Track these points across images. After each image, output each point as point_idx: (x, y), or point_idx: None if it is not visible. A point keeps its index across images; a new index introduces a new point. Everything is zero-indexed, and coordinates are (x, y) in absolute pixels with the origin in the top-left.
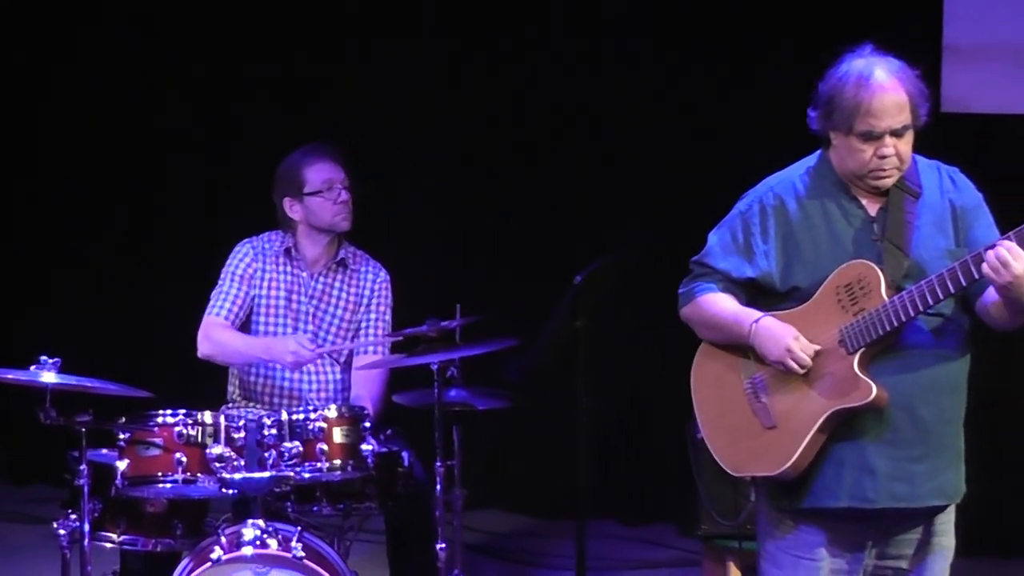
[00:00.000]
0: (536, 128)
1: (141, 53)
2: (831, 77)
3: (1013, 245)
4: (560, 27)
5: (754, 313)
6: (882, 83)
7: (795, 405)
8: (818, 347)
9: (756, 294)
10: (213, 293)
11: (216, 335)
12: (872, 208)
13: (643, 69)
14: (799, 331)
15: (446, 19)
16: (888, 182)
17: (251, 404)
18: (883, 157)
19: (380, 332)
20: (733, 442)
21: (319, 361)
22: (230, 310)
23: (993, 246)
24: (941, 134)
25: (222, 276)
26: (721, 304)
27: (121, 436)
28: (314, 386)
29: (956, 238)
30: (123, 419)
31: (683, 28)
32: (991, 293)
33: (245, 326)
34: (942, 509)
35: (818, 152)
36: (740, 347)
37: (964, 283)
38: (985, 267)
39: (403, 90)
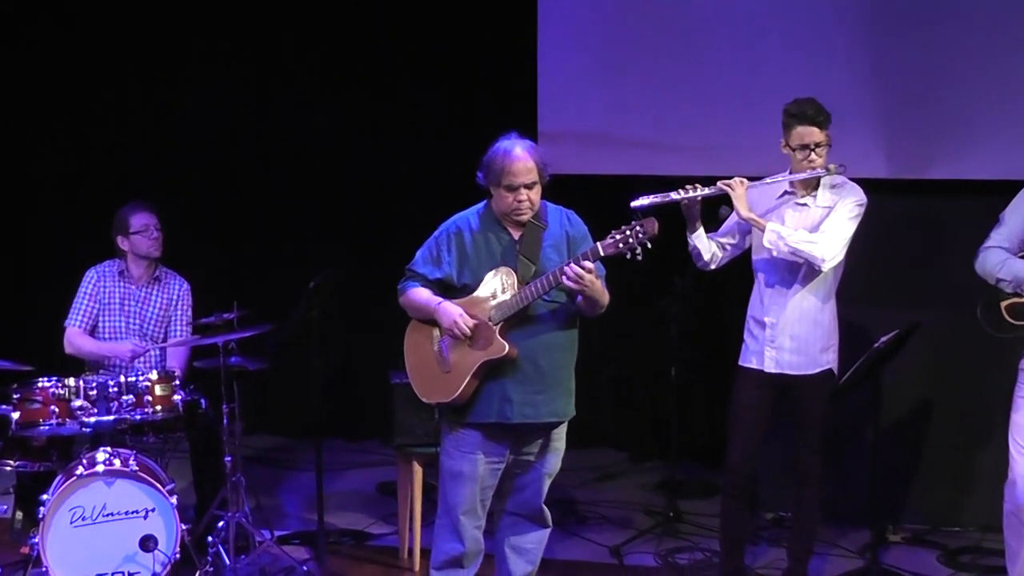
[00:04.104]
0: (290, 175)
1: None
2: (489, 151)
3: (584, 263)
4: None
5: (439, 298)
6: (518, 155)
7: (463, 357)
8: (476, 321)
9: (445, 289)
10: (72, 306)
11: (76, 342)
12: (516, 234)
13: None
14: (467, 310)
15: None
16: (525, 218)
17: (100, 371)
18: (520, 201)
19: (183, 323)
20: (425, 381)
21: (144, 343)
22: (83, 320)
23: (570, 262)
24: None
25: (78, 294)
26: (420, 294)
27: (14, 396)
28: (142, 359)
29: (568, 255)
30: (15, 385)
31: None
32: (579, 295)
33: (95, 325)
34: (557, 425)
35: (485, 201)
36: (432, 322)
37: (555, 284)
38: (563, 279)
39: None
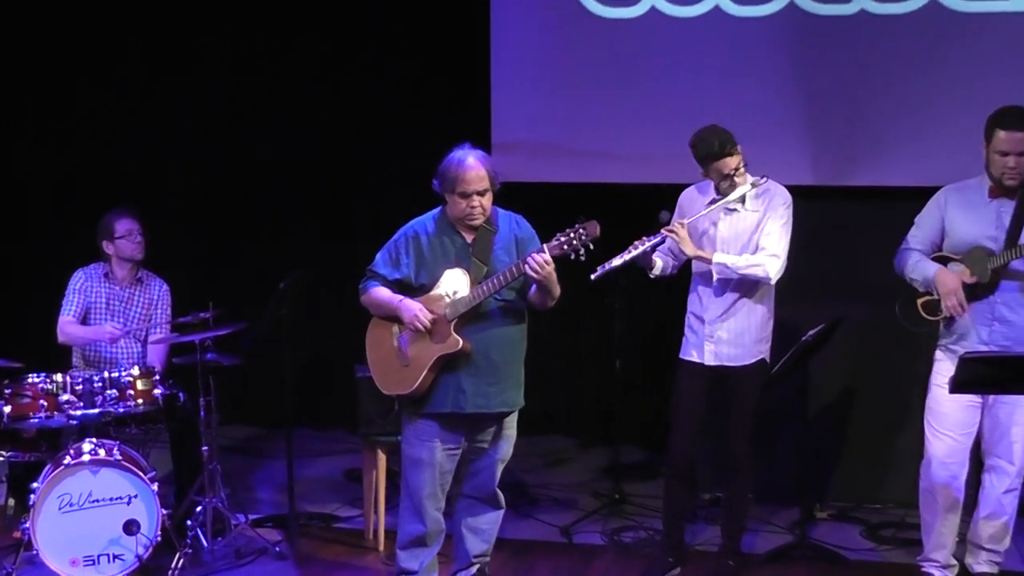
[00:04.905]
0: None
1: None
2: (444, 161)
3: (542, 255)
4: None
5: (400, 296)
6: (471, 164)
7: (420, 352)
8: (434, 316)
9: (403, 289)
10: (64, 302)
11: (67, 330)
12: (469, 238)
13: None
14: (424, 307)
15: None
16: (477, 222)
17: (86, 368)
18: (473, 207)
19: (163, 322)
20: (386, 375)
21: (126, 341)
22: (74, 312)
23: (531, 254)
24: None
25: (67, 291)
26: (382, 293)
27: (5, 391)
28: (124, 356)
29: (516, 256)
30: (6, 381)
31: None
32: (532, 288)
33: (84, 320)
34: (508, 414)
35: (440, 206)
36: (393, 319)
37: (514, 278)
38: (526, 268)
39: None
